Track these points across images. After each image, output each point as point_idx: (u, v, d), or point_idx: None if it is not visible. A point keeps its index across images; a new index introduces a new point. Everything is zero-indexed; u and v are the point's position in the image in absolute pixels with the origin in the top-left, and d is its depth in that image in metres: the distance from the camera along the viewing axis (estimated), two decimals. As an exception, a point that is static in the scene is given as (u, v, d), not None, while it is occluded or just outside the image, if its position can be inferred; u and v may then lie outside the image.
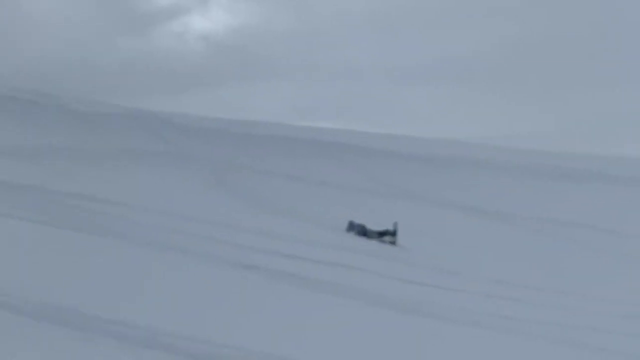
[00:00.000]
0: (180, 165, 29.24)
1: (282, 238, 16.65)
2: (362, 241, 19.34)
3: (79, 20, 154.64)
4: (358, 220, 20.23)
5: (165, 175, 25.44)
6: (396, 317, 9.94)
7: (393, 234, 19.35)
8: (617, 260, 21.20)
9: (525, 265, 18.71)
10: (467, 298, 12.80)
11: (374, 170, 39.32)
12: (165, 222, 16.10)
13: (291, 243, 16.07)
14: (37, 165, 22.68)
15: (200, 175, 27.29)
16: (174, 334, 7.54)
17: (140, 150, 32.76)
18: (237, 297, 9.71)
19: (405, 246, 19.19)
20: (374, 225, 19.94)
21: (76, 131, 37.55)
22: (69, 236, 11.96)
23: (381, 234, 19.49)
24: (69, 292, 8.54)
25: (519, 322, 11.06)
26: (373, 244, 18.80)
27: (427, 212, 26.73)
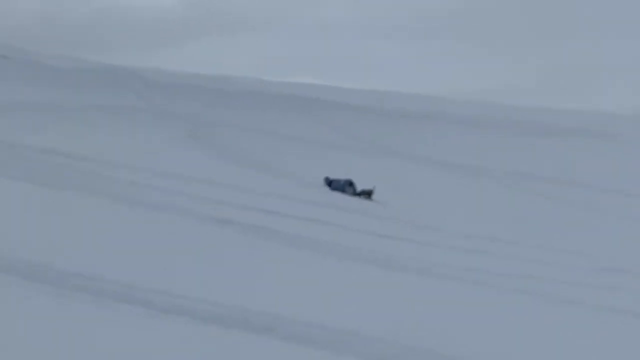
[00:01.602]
0: (153, 120, 29.06)
1: (256, 193, 16.63)
2: (338, 196, 19.36)
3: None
4: (333, 176, 20.24)
5: (138, 130, 25.26)
6: (370, 271, 9.98)
7: (369, 194, 19.40)
8: (591, 214, 21.42)
9: (500, 219, 18.86)
10: (441, 252, 12.88)
11: (348, 125, 39.26)
12: (138, 178, 15.99)
13: (266, 198, 16.05)
14: (8, 120, 22.43)
15: (173, 130, 27.12)
16: (149, 289, 7.53)
17: (113, 106, 32.45)
18: (212, 252, 9.71)
19: (380, 201, 19.25)
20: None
21: (48, 86, 37.09)
22: (40, 192, 11.86)
23: (358, 194, 19.56)
24: (42, 248, 8.49)
25: (493, 276, 11.15)
26: (348, 199, 18.83)
27: (402, 167, 26.78)
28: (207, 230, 11.08)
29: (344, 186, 19.72)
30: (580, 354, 7.47)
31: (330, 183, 19.84)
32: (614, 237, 17.69)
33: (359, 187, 19.87)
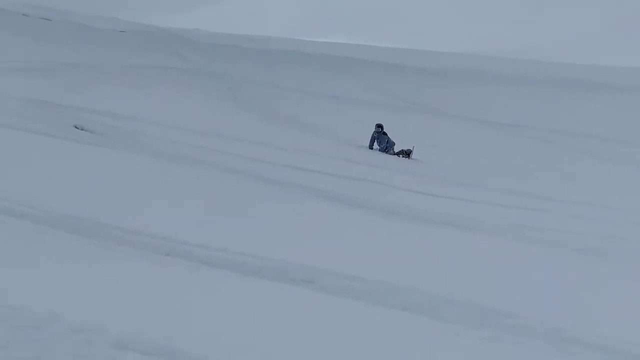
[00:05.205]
0: (194, 80, 29.23)
1: (295, 151, 16.73)
2: (375, 154, 19.40)
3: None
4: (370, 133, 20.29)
5: (180, 90, 25.44)
6: (408, 225, 10.03)
7: (408, 154, 19.50)
8: (626, 169, 21.23)
9: (537, 175, 18.79)
10: (479, 208, 12.90)
11: (385, 84, 39.13)
12: (180, 136, 16.18)
13: (305, 156, 16.16)
14: (51, 81, 22.71)
15: (214, 90, 27.28)
16: (190, 242, 7.68)
17: (154, 67, 32.69)
18: (251, 207, 9.81)
19: (417, 158, 19.25)
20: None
21: (89, 48, 37.43)
22: (83, 149, 12.05)
23: (397, 154, 19.68)
24: (86, 203, 8.67)
25: (530, 230, 11.16)
26: (387, 158, 18.87)
27: (439, 124, 26.70)
28: (247, 186, 11.19)
29: (387, 148, 19.84)
30: (625, 308, 7.45)
31: (383, 132, 20.01)
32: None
33: (397, 144, 19.95)
